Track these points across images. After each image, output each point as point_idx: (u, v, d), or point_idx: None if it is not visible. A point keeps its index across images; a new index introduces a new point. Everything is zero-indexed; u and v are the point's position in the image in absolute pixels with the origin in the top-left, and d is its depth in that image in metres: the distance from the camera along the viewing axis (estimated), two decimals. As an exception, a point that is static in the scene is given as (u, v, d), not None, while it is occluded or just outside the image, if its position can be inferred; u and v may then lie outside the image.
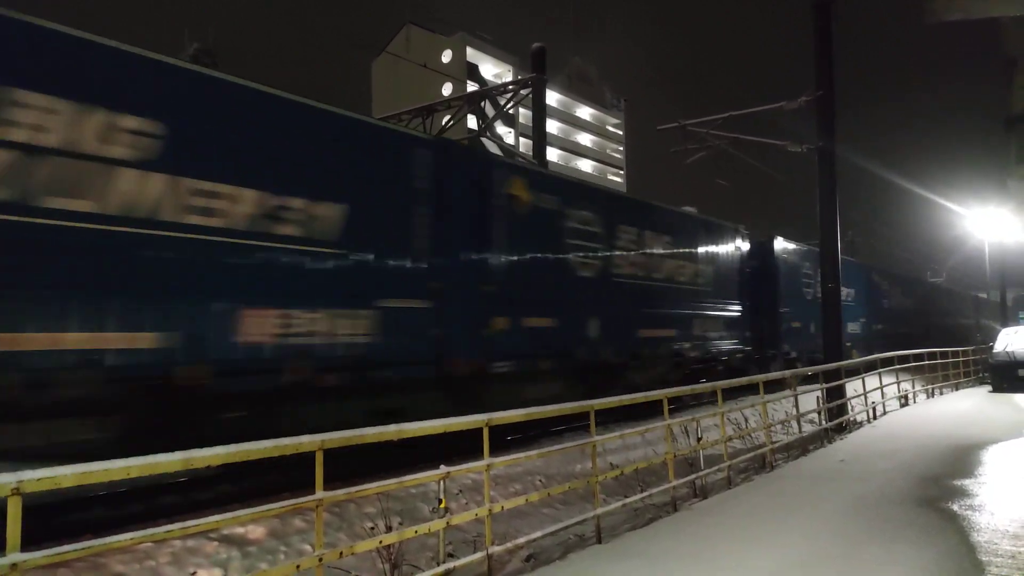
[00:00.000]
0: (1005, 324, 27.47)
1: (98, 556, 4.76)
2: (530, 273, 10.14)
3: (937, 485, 7.72)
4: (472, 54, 61.14)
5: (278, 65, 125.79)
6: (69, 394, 5.46)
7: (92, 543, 3.28)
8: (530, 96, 17.86)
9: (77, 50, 5.68)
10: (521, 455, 5.96)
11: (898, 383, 16.48)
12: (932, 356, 19.62)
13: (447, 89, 50.29)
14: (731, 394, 12.83)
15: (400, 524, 5.88)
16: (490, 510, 5.27)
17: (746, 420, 10.24)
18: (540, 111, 18.18)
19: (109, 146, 5.73)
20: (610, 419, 10.72)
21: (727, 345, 15.90)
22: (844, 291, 20.24)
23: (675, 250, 14.04)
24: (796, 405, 10.90)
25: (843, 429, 12.30)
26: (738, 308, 16.47)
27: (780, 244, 19.04)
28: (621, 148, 78.19)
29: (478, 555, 5.20)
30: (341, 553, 4.33)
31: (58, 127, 5.47)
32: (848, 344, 20.12)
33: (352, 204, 7.59)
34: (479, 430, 5.39)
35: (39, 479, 3.11)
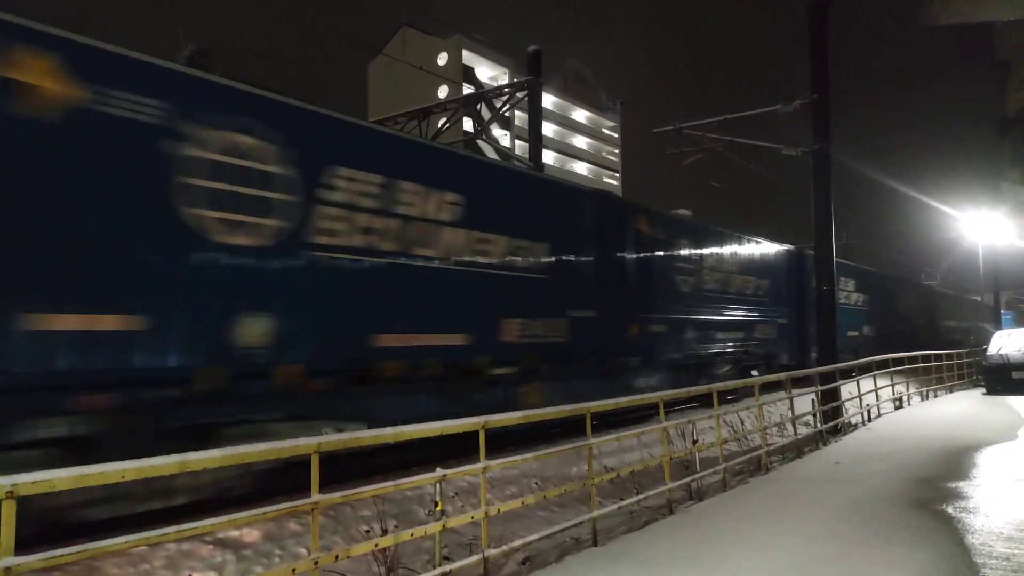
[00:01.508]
0: (998, 326, 27.60)
1: (93, 559, 4.73)
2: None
3: (932, 487, 7.74)
4: (468, 56, 61.16)
5: (276, 66, 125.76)
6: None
7: (86, 547, 3.26)
8: (526, 99, 17.87)
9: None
10: (517, 458, 5.96)
11: (892, 385, 16.53)
12: (926, 359, 19.69)
13: (443, 91, 50.31)
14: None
15: (396, 527, 5.87)
16: (486, 513, 5.26)
17: (742, 422, 10.25)
18: (536, 114, 18.18)
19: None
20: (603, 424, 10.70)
21: None
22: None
23: None
24: (791, 407, 10.93)
25: (838, 431, 12.34)
26: None
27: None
28: (617, 151, 78.31)
29: (474, 558, 5.19)
30: (337, 556, 4.32)
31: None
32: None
33: None
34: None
35: (33, 482, 3.10)
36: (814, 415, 11.93)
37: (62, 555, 3.18)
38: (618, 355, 12.04)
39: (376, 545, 4.69)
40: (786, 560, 5.37)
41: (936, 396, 19.11)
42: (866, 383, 14.62)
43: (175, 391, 6.07)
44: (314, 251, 7.23)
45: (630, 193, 64.56)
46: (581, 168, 71.37)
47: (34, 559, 3.09)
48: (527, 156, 18.29)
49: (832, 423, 12.26)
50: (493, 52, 63.37)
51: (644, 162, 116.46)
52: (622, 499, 7.05)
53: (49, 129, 5.36)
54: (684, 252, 14.30)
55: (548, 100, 62.96)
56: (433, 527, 4.93)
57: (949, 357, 21.62)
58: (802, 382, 12.28)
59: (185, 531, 3.60)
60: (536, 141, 18.12)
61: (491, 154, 18.04)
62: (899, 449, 10.38)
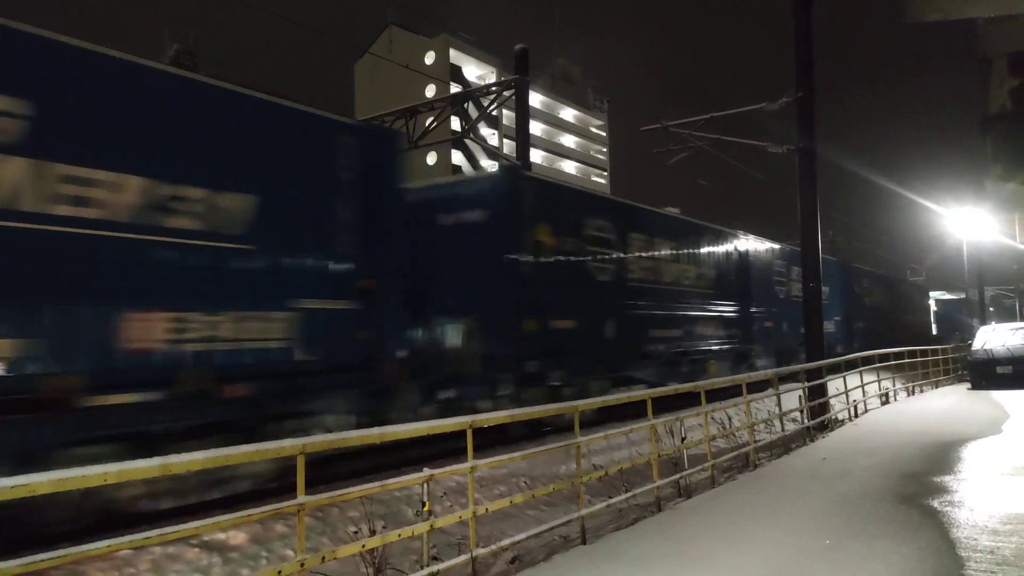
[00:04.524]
0: (984, 322, 27.88)
1: (76, 564, 4.69)
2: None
3: (917, 482, 7.79)
4: (455, 55, 61.03)
5: (262, 65, 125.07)
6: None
7: (68, 551, 3.22)
8: (513, 97, 17.86)
9: None
10: (505, 457, 5.94)
11: (879, 381, 16.63)
12: (912, 355, 19.84)
13: (430, 91, 50.15)
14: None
15: (384, 527, 5.84)
16: (474, 512, 5.25)
17: (729, 419, 10.27)
18: (523, 112, 18.18)
19: None
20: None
21: None
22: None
23: None
24: (779, 404, 10.97)
25: (825, 427, 12.40)
26: None
27: None
28: (604, 149, 78.43)
29: (462, 558, 5.18)
30: (324, 558, 4.29)
31: None
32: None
33: None
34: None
35: (12, 487, 3.05)
36: (801, 411, 11.99)
37: (43, 560, 3.13)
38: (402, 364, 8.49)
39: (363, 546, 4.66)
40: (774, 555, 5.39)
41: (922, 391, 19.26)
42: (853, 379, 14.71)
43: None
44: None
45: (619, 191, 64.63)
46: (569, 167, 71.43)
47: (15, 564, 3.05)
48: (515, 155, 18.27)
49: (819, 419, 12.31)
50: (480, 51, 63.26)
51: (633, 160, 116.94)
52: (611, 497, 7.04)
53: None
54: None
55: (535, 99, 62.95)
56: (421, 527, 4.91)
57: (934, 353, 21.81)
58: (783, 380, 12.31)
59: (168, 534, 3.56)
60: (523, 140, 18.12)
61: (479, 152, 17.97)
62: (885, 444, 10.45)
